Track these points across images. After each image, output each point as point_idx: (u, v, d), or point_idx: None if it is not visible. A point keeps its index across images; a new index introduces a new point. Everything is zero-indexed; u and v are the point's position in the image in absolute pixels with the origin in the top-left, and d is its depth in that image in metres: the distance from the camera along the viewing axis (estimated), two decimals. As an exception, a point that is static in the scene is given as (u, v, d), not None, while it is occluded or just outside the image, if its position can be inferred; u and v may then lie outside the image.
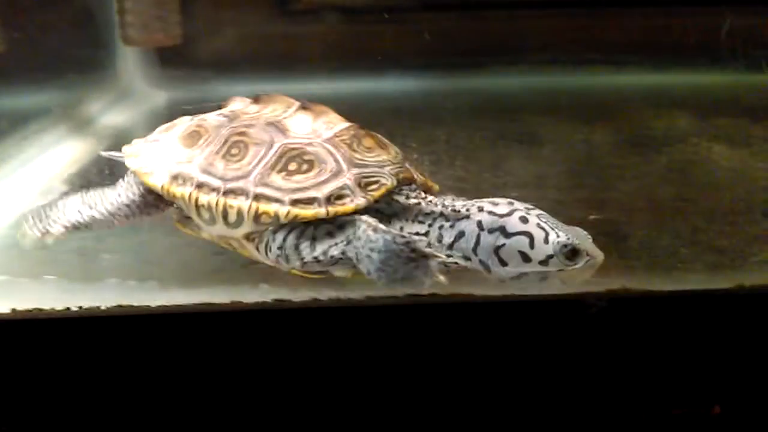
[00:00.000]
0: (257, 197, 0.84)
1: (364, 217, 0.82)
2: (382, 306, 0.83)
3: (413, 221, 0.86)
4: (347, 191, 0.84)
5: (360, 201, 0.83)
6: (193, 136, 0.93)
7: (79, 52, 1.85)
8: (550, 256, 0.79)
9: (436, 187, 0.93)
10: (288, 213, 0.83)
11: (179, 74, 2.18)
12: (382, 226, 0.81)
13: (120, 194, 0.97)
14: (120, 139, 1.71)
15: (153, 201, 0.96)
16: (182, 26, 1.87)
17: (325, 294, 0.84)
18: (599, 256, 0.80)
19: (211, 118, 0.95)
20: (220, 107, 1.00)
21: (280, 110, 0.93)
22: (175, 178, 0.90)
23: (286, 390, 0.84)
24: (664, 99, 1.95)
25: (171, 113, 2.04)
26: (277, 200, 0.84)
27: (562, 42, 2.24)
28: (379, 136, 0.93)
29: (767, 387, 0.84)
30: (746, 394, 0.84)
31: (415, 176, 0.90)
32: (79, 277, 0.97)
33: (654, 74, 2.14)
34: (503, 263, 0.80)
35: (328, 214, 0.83)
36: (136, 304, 0.84)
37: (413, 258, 0.79)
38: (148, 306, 0.83)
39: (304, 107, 0.92)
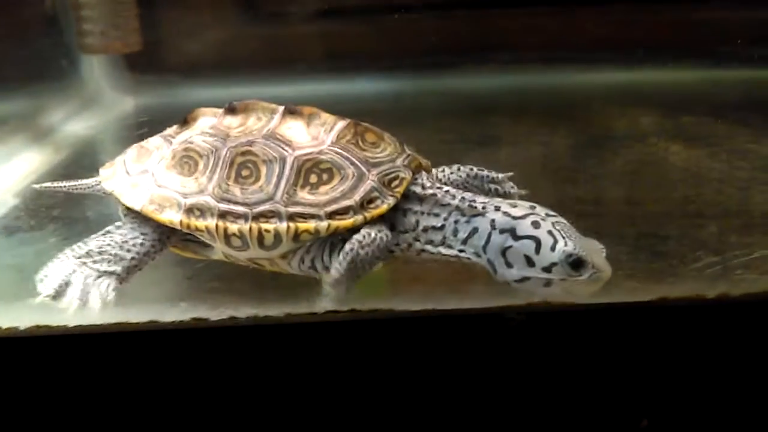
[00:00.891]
0: (292, 217, 0.84)
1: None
2: (300, 324, 0.82)
3: (428, 214, 0.87)
4: (376, 193, 0.85)
5: (390, 200, 0.85)
6: (188, 163, 0.91)
7: (40, 59, 1.84)
8: (554, 264, 0.78)
9: (429, 166, 0.94)
10: (328, 227, 0.84)
11: (148, 80, 2.17)
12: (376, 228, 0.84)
13: (136, 238, 0.92)
14: (81, 147, 1.72)
15: (166, 236, 0.93)
16: (141, 33, 1.85)
17: (243, 312, 0.83)
18: (607, 270, 0.79)
19: (198, 140, 0.92)
20: (185, 121, 0.96)
21: (265, 118, 0.91)
22: (190, 211, 0.88)
23: (204, 410, 0.83)
24: (631, 97, 1.93)
25: (138, 120, 2.07)
26: (313, 216, 0.85)
27: (531, 40, 2.22)
28: (373, 127, 0.92)
29: (694, 400, 0.82)
30: (673, 407, 0.83)
31: (422, 161, 0.91)
32: (6, 296, 0.95)
33: (624, 71, 2.12)
34: (509, 265, 0.80)
35: (365, 219, 0.84)
36: (53, 324, 0.82)
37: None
38: (65, 326, 0.82)
39: (290, 111, 0.91)
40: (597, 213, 1.18)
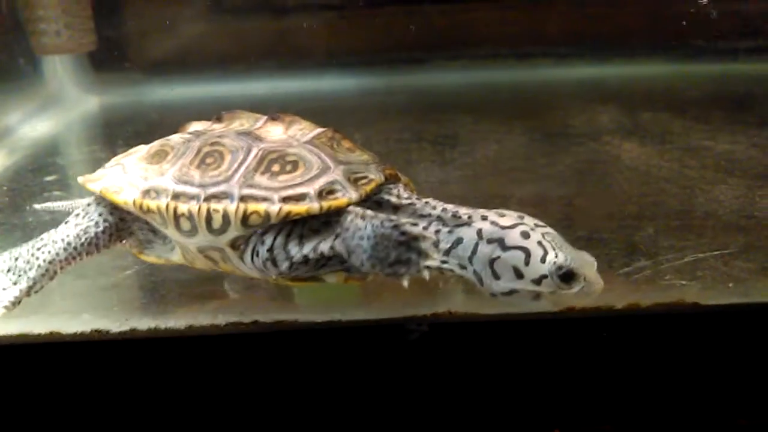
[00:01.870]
0: (244, 198, 0.80)
1: (351, 208, 0.78)
2: (203, 336, 0.80)
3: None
4: (338, 186, 0.80)
5: (353, 195, 0.79)
6: (160, 154, 0.89)
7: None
8: (544, 276, 0.74)
9: (411, 184, 0.90)
10: (279, 211, 0.79)
11: (113, 78, 2.16)
12: (369, 212, 0.77)
13: (81, 228, 0.90)
14: (37, 149, 1.71)
15: (116, 229, 0.91)
16: (96, 33, 1.83)
17: (145, 324, 0.81)
18: (598, 284, 0.75)
19: (175, 138, 0.91)
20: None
21: (248, 124, 0.90)
22: (147, 192, 0.85)
23: (103, 422, 0.82)
24: (597, 93, 1.91)
25: (105, 118, 2.05)
26: (265, 199, 0.80)
27: (502, 35, 2.20)
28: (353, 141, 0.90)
29: (603, 410, 0.80)
30: (584, 417, 0.81)
31: (399, 175, 0.87)
32: None
33: (593, 66, 2.10)
34: (496, 276, 0.76)
35: (321, 209, 0.78)
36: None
37: (403, 241, 0.74)
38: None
39: (273, 118, 0.90)
40: (534, 215, 1.15)
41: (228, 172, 0.82)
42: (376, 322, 0.79)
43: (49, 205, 1.16)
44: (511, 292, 0.75)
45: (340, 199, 0.79)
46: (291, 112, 0.92)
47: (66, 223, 0.91)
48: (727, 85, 1.90)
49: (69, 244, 0.89)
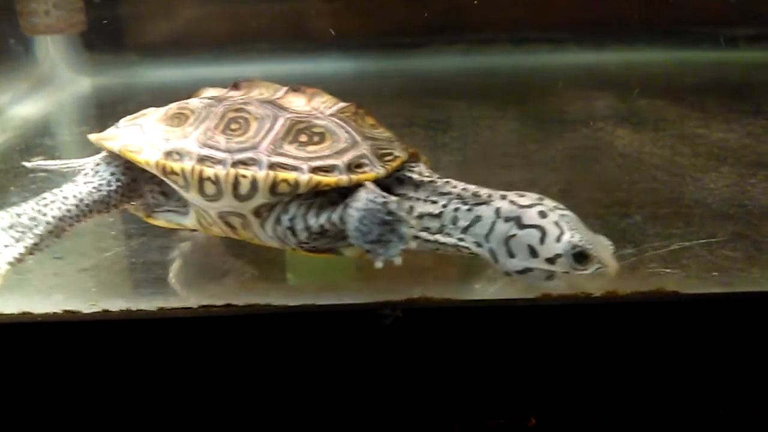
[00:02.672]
0: (273, 166, 0.80)
1: (366, 183, 0.78)
2: (174, 318, 0.79)
3: (425, 200, 0.83)
4: (366, 160, 0.80)
5: (380, 170, 0.80)
6: (180, 117, 0.88)
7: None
8: (558, 256, 0.75)
9: (429, 162, 0.90)
10: (309, 180, 0.79)
11: (106, 59, 2.14)
12: (377, 190, 0.77)
13: (93, 185, 0.90)
14: (27, 130, 1.69)
15: (128, 189, 0.91)
16: (85, 13, 1.81)
17: (116, 305, 0.80)
18: (613, 266, 0.76)
19: (194, 101, 0.90)
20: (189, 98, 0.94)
21: (268, 93, 0.89)
22: (169, 153, 0.84)
23: (73, 404, 0.81)
24: (594, 79, 1.89)
25: (97, 99, 2.04)
26: (295, 168, 0.79)
27: (501, 20, 2.17)
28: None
29: (582, 399, 0.79)
30: (561, 405, 0.79)
31: (420, 155, 0.87)
32: None
33: (592, 52, 2.08)
34: (511, 254, 0.77)
35: (350, 181, 0.79)
36: None
37: (388, 221, 0.75)
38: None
39: (294, 89, 0.89)
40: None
41: (255, 139, 0.82)
42: (350, 306, 0.77)
43: (42, 163, 1.14)
44: (525, 271, 0.77)
45: (368, 173, 0.80)
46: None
47: (73, 182, 0.91)
48: (726, 73, 1.87)
49: (81, 200, 0.89)
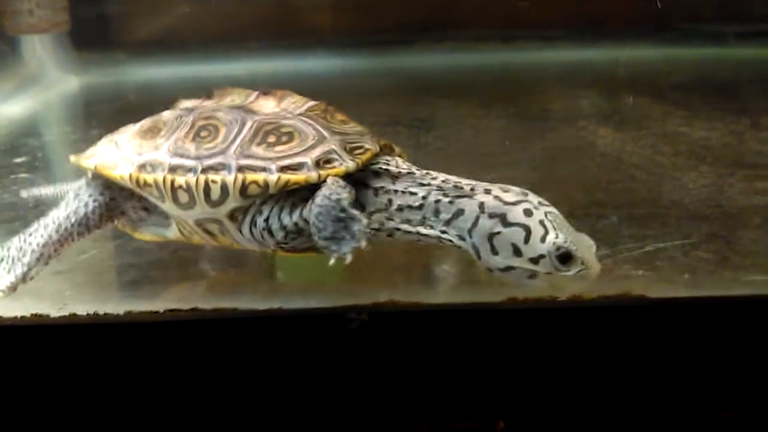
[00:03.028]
0: (241, 169, 0.80)
1: (329, 179, 0.79)
2: (144, 323, 0.79)
3: (404, 192, 0.81)
4: (335, 155, 0.80)
5: (350, 164, 0.80)
6: (152, 130, 0.89)
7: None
8: (542, 256, 0.74)
9: (404, 155, 0.90)
10: (278, 180, 0.79)
11: (94, 58, 2.13)
12: (336, 186, 0.77)
13: (71, 209, 0.91)
14: (12, 129, 1.69)
15: (107, 209, 0.92)
16: (69, 12, 1.81)
17: (84, 309, 0.80)
18: (595, 268, 0.75)
19: (167, 114, 0.91)
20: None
21: (240, 100, 0.90)
22: (142, 166, 0.85)
23: (39, 408, 0.81)
24: (582, 76, 1.88)
25: (84, 98, 2.03)
26: (263, 169, 0.80)
27: (489, 17, 2.16)
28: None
29: (549, 402, 0.79)
30: (529, 409, 0.79)
31: (394, 147, 0.87)
32: None
33: (580, 49, 2.07)
34: (494, 252, 0.76)
35: (319, 177, 0.79)
36: None
37: (342, 218, 0.76)
38: None
39: (265, 93, 0.89)
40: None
41: (224, 144, 0.83)
42: (316, 311, 0.77)
43: (36, 191, 1.15)
44: (508, 269, 0.75)
45: (337, 168, 0.80)
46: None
47: (57, 207, 0.92)
48: (713, 70, 1.87)
49: (60, 225, 0.90)
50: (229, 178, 0.80)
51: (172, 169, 0.83)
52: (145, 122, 0.91)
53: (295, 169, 0.80)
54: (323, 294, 0.82)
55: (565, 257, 0.74)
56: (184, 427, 0.80)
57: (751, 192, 1.12)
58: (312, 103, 0.88)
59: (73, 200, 0.92)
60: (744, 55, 1.96)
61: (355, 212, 0.76)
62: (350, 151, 0.82)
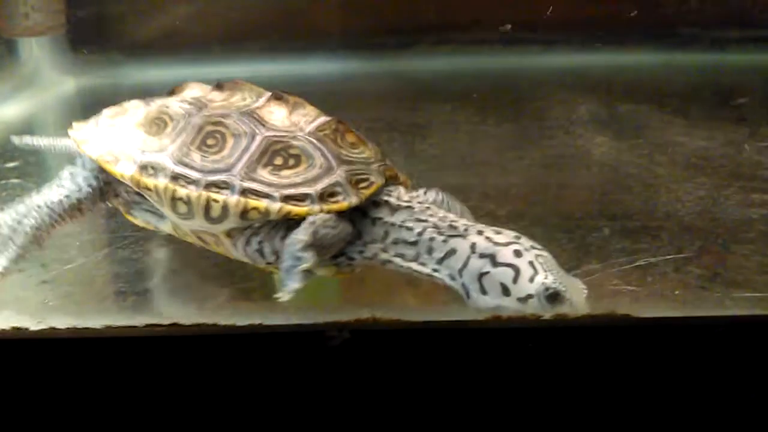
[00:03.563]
0: (245, 192, 0.80)
1: (308, 217, 0.79)
2: (122, 337, 0.78)
3: (400, 226, 0.82)
4: (339, 188, 0.80)
5: (353, 199, 0.80)
6: (158, 124, 0.88)
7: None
8: (530, 296, 0.74)
9: (409, 182, 0.90)
10: (280, 209, 0.79)
11: (91, 59, 2.12)
12: (310, 226, 0.78)
13: (63, 193, 0.92)
14: (5, 133, 1.68)
15: (100, 192, 0.92)
16: (66, 15, 1.80)
17: (64, 322, 0.79)
18: (583, 311, 0.75)
19: (175, 105, 0.89)
20: (172, 92, 0.94)
21: (250, 100, 0.88)
22: (144, 168, 0.85)
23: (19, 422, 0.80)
24: (582, 82, 1.86)
25: (81, 101, 2.02)
26: (267, 196, 0.80)
27: (490, 20, 2.14)
28: (357, 132, 0.89)
29: (531, 422, 0.78)
30: (510, 428, 0.78)
31: (399, 175, 0.87)
32: None
33: (582, 53, 2.05)
34: (483, 291, 0.77)
35: (321, 211, 0.79)
36: None
37: (297, 257, 0.77)
38: None
39: (277, 97, 0.87)
40: (491, 210, 1.12)
41: (230, 159, 0.82)
42: (297, 327, 0.76)
43: (30, 140, 1.16)
44: (496, 309, 0.76)
45: (340, 202, 0.80)
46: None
47: (49, 187, 0.93)
48: (713, 77, 1.85)
49: (53, 210, 0.90)
50: (232, 200, 0.80)
51: (175, 178, 0.83)
52: (151, 111, 0.90)
53: (299, 200, 0.80)
54: (303, 311, 0.80)
55: (553, 297, 0.74)
56: (162, 443, 0.80)
57: (746, 204, 1.10)
58: (323, 119, 0.86)
59: (66, 181, 0.92)
60: (744, 61, 1.94)
61: (305, 255, 0.76)
62: (355, 184, 0.81)
